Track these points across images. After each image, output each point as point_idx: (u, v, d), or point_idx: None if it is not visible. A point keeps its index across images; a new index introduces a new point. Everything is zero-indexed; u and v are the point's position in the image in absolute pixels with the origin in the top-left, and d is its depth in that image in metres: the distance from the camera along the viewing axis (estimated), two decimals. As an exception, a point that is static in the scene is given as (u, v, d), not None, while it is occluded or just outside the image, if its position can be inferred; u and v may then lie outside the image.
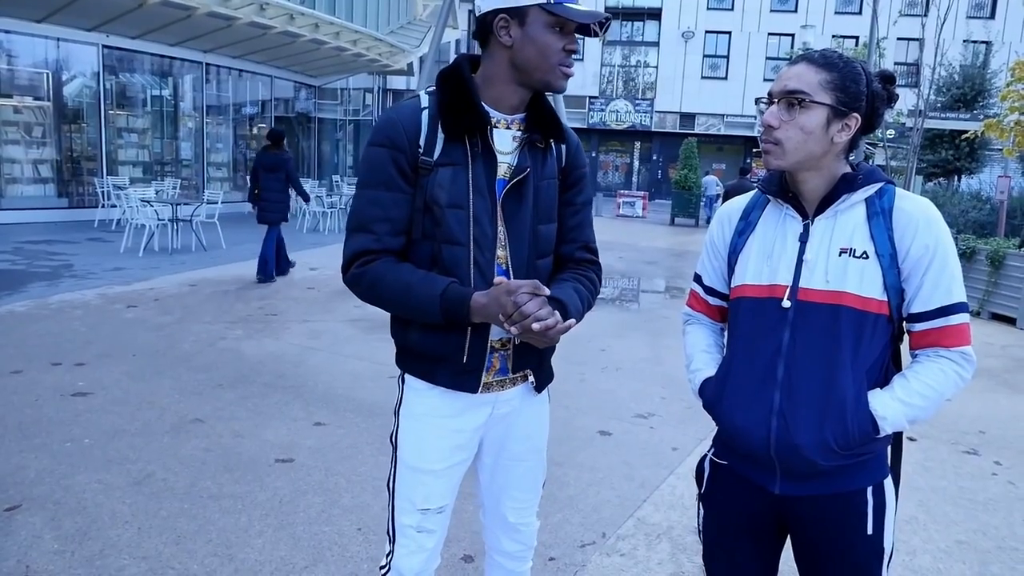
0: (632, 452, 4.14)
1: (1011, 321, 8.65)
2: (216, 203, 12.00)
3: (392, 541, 1.79)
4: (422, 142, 1.61)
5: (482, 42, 1.65)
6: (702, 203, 22.58)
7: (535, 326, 1.49)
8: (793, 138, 1.45)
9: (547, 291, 1.55)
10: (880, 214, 1.47)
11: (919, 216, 1.46)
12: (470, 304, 1.55)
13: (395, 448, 1.78)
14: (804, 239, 1.50)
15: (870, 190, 1.49)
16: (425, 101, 1.64)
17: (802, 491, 1.53)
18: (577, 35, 1.62)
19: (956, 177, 21.31)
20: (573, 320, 1.58)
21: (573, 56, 1.62)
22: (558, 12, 1.54)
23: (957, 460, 4.28)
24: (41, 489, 3.28)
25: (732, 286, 1.62)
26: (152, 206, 11.12)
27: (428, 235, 1.62)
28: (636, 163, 36.17)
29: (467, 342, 1.64)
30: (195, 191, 16.87)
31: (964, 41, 25.70)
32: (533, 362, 1.76)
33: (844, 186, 1.49)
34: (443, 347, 1.65)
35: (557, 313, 1.54)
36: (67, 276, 8.49)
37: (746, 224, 1.61)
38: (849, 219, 1.48)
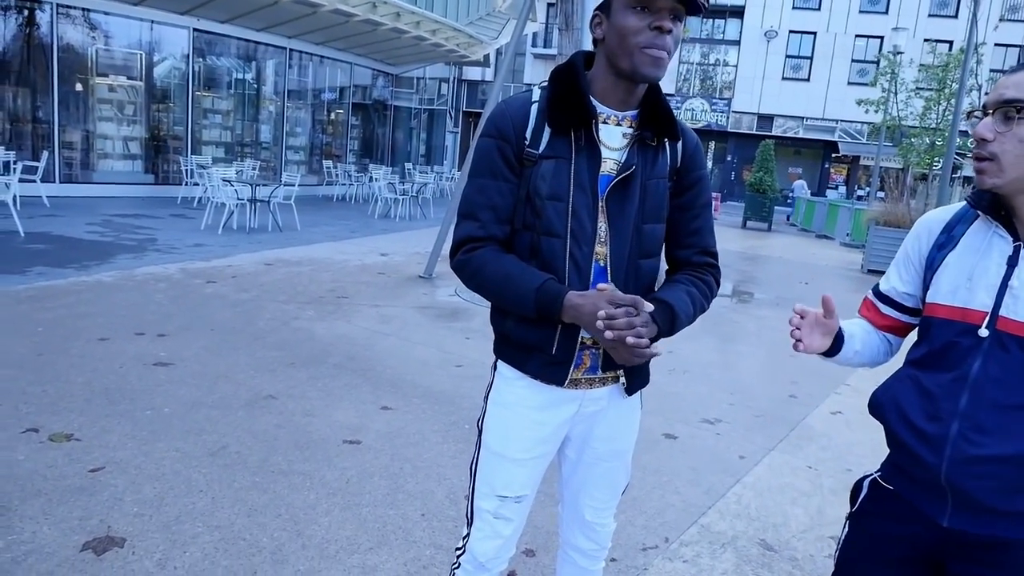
0: (698, 457, 4.07)
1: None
2: (293, 186, 12.31)
3: (469, 524, 1.82)
4: (528, 134, 1.63)
5: (594, 45, 1.67)
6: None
7: (629, 339, 1.47)
8: (1011, 152, 1.31)
9: (649, 307, 1.52)
10: None
11: None
12: (563, 302, 1.56)
13: (480, 433, 1.81)
14: (1013, 263, 1.36)
15: None
16: (536, 95, 1.67)
17: (976, 528, 1.38)
18: (689, 15, 1.58)
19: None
20: (661, 349, 1.54)
21: (667, 36, 1.53)
22: None
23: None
24: (123, 453, 3.43)
25: (926, 302, 1.50)
26: (232, 186, 11.48)
27: (528, 226, 1.64)
28: (710, 163, 35.53)
29: (557, 334, 1.65)
30: (273, 173, 17.37)
31: (1069, 49, 24.36)
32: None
33: None
34: (535, 337, 1.67)
35: (651, 342, 1.52)
36: (151, 250, 8.84)
37: (948, 238, 1.47)
38: None
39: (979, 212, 1.43)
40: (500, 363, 1.79)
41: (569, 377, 1.69)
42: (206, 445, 3.61)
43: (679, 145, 1.73)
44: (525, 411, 1.73)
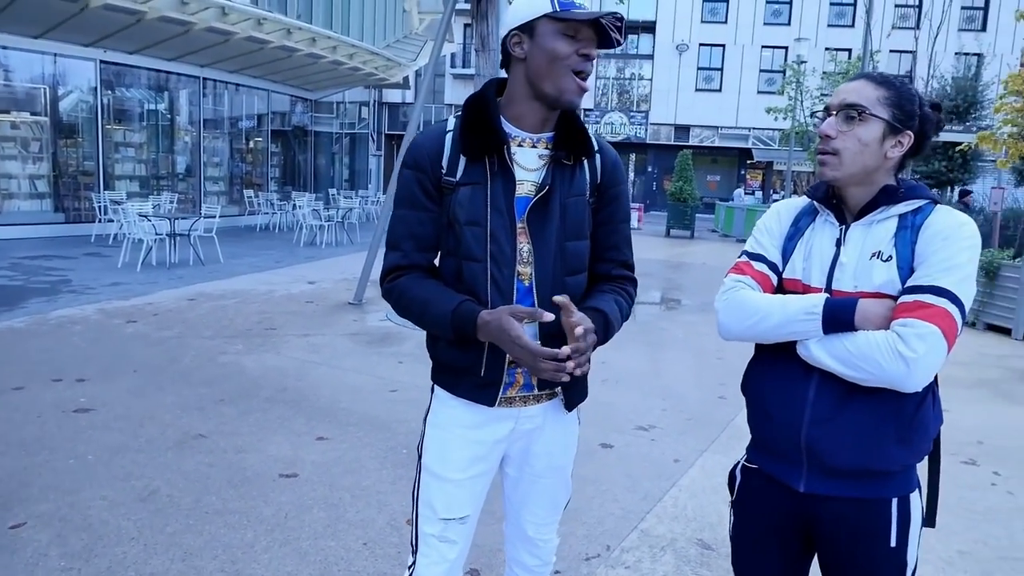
0: (634, 464, 4.16)
1: (1007, 332, 8.70)
2: (214, 217, 12.03)
3: (415, 552, 1.82)
4: (445, 163, 1.67)
5: (506, 66, 1.71)
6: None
7: (571, 366, 1.53)
8: (851, 149, 1.51)
9: (549, 317, 1.55)
10: (909, 228, 1.52)
11: (945, 224, 1.49)
12: (476, 321, 1.60)
13: (420, 456, 1.82)
14: (839, 244, 1.57)
15: (910, 206, 1.53)
16: (451, 124, 1.71)
17: (826, 490, 1.56)
18: (600, 49, 1.65)
19: (949, 188, 21.47)
20: (569, 373, 1.55)
21: (590, 63, 1.61)
22: (564, 16, 1.57)
23: (956, 470, 4.31)
24: (46, 506, 3.29)
25: (783, 277, 1.66)
26: (149, 220, 11.14)
27: (451, 251, 1.69)
28: (631, 175, 36.31)
29: (484, 356, 1.68)
30: (192, 205, 16.91)
31: (956, 53, 25.96)
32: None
33: (884, 198, 1.54)
34: (463, 360, 1.70)
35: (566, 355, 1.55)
36: (65, 291, 8.49)
37: (795, 230, 1.67)
38: (882, 228, 1.54)
39: (815, 203, 1.64)
40: (436, 387, 1.81)
41: (500, 397, 1.71)
42: (134, 490, 3.49)
43: (598, 162, 1.78)
44: (461, 431, 1.75)
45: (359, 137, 28.08)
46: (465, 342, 1.66)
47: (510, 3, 1.70)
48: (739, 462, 1.78)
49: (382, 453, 4.09)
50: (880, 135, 1.51)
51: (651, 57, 34.31)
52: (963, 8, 30.51)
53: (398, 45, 23.57)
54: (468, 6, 9.36)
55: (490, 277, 1.65)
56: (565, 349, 1.53)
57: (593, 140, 1.76)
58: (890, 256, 1.51)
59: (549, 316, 1.56)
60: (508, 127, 1.68)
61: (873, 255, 1.52)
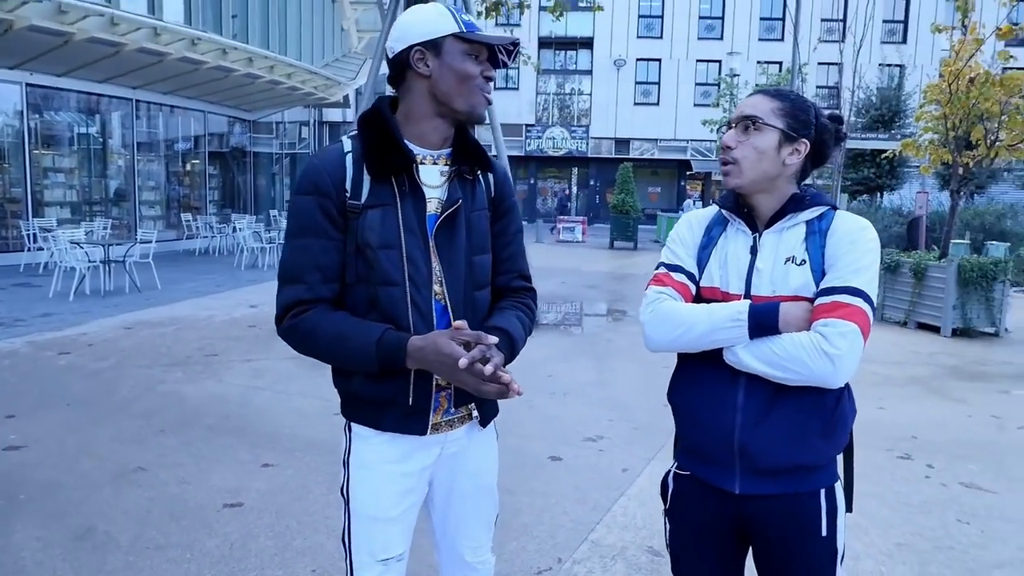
0: (583, 476, 4.18)
1: (936, 330, 9.05)
2: (150, 242, 11.71)
3: None
4: (348, 186, 1.60)
5: (398, 82, 1.66)
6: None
7: (503, 377, 1.51)
8: (748, 157, 1.61)
9: (493, 340, 1.54)
10: (817, 233, 1.61)
11: (850, 228, 1.59)
12: (406, 349, 1.54)
13: (347, 500, 1.74)
14: (754, 251, 1.64)
15: (815, 212, 1.63)
16: (348, 145, 1.64)
17: (760, 489, 1.62)
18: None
19: (879, 194, 22.29)
20: (515, 385, 1.54)
21: (491, 82, 1.66)
22: (473, 39, 1.59)
23: (892, 466, 4.46)
24: (-26, 550, 3.14)
25: (700, 286, 1.71)
26: (82, 247, 10.80)
27: (363, 278, 1.61)
28: (574, 188, 36.72)
29: (411, 383, 1.63)
30: (127, 231, 16.44)
31: (880, 65, 27.06)
32: (474, 396, 1.72)
33: (792, 205, 1.64)
34: (388, 390, 1.63)
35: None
36: (-7, 324, 8.16)
37: (708, 239, 1.72)
38: (792, 234, 1.63)
39: (725, 212, 1.71)
40: (354, 425, 1.73)
41: (430, 423, 1.67)
42: (70, 529, 3.36)
43: (491, 176, 1.79)
44: (389, 467, 1.69)
45: (300, 157, 27.70)
46: (390, 373, 1.58)
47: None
48: (670, 470, 1.82)
49: (330, 477, 4.03)
50: (776, 143, 1.60)
51: (590, 72, 34.86)
52: (885, 22, 31.84)
53: (337, 64, 23.47)
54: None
55: (410, 300, 1.60)
56: (500, 374, 1.52)
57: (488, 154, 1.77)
58: (803, 260, 1.59)
59: (493, 339, 1.54)
60: (410, 145, 1.65)
61: (787, 260, 1.60)
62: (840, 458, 1.71)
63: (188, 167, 19.70)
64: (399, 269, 1.60)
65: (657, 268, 1.76)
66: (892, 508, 3.83)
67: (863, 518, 3.66)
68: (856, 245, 1.56)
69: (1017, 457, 4.67)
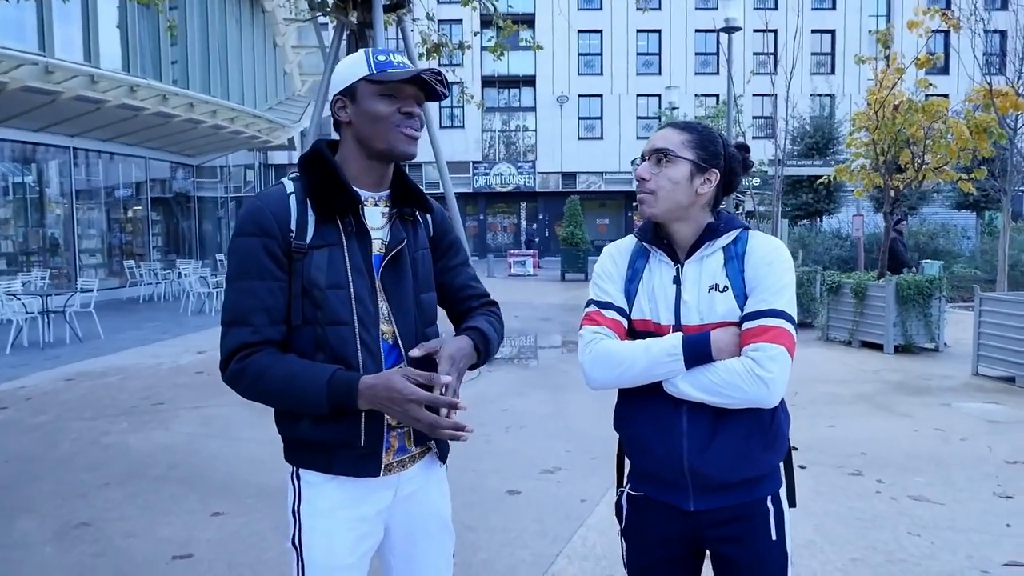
0: (542, 508, 4.16)
1: (879, 347, 9.31)
2: (91, 291, 11.40)
3: None
4: (293, 226, 1.59)
5: (336, 128, 1.69)
6: None
7: (455, 419, 1.52)
8: (664, 187, 1.67)
9: (446, 379, 1.53)
10: (735, 258, 1.69)
11: (765, 251, 1.68)
12: (357, 389, 1.52)
13: (300, 551, 1.66)
14: (678, 281, 1.70)
15: (729, 237, 1.70)
16: (290, 187, 1.64)
17: (713, 504, 1.68)
18: (428, 102, 1.69)
19: (819, 218, 23.02)
20: (470, 428, 1.54)
21: (415, 119, 1.64)
22: (380, 79, 1.59)
23: (844, 482, 4.55)
24: (-96, 620, 2.97)
25: (631, 318, 1.75)
26: (19, 299, 10.45)
27: (310, 320, 1.59)
28: (523, 223, 37.02)
29: (362, 424, 1.60)
30: (67, 280, 15.97)
31: (811, 95, 28.10)
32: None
33: (708, 234, 1.70)
34: (337, 432, 1.59)
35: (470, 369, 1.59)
36: (-77, 382, 7.81)
37: (633, 272, 1.77)
38: (712, 261, 1.70)
39: (645, 244, 1.76)
40: (302, 471, 1.68)
41: (383, 464, 1.64)
42: (9, 592, 3.21)
43: (428, 217, 1.81)
44: (343, 513, 1.64)
45: (246, 200, 27.42)
46: (340, 414, 1.55)
47: None
48: (623, 491, 1.84)
49: (284, 523, 3.92)
50: (688, 174, 1.67)
51: (534, 109, 35.45)
52: (813, 54, 33.25)
53: (281, 107, 23.41)
54: (349, 66, 9.42)
55: (359, 340, 1.59)
56: (453, 403, 1.52)
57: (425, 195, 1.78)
58: (725, 287, 1.66)
59: (447, 378, 1.53)
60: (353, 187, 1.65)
61: (711, 288, 1.67)
62: (781, 465, 1.79)
63: (130, 214, 19.30)
64: (348, 309, 1.59)
65: (588, 306, 1.79)
66: (846, 524, 3.90)
67: (818, 536, 3.71)
68: (773, 267, 1.65)
69: (961, 469, 4.81)
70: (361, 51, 1.66)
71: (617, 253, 1.81)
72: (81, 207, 17.11)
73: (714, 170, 1.69)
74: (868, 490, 4.43)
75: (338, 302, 1.58)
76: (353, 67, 1.62)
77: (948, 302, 9.92)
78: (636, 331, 1.73)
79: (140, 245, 19.47)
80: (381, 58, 1.61)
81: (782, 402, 1.73)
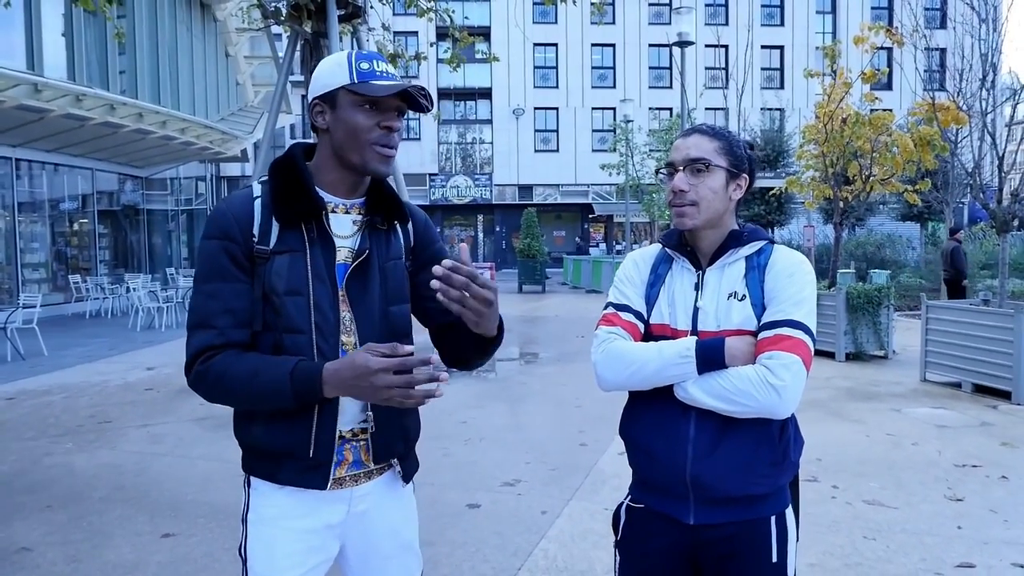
0: (502, 521, 4.12)
1: (831, 355, 9.50)
2: (34, 307, 11.02)
3: None
4: (256, 231, 1.56)
5: (314, 131, 1.65)
6: None
7: (423, 386, 1.40)
8: (706, 198, 1.65)
9: (407, 349, 1.43)
10: (756, 268, 1.68)
11: (788, 263, 1.67)
12: (322, 376, 1.46)
13: (245, 560, 1.63)
14: (699, 288, 1.69)
15: (753, 248, 1.69)
16: (258, 191, 1.61)
17: (714, 519, 1.64)
18: (412, 112, 1.63)
19: (771, 229, 23.50)
20: (440, 392, 1.44)
21: (394, 134, 1.58)
22: (361, 91, 1.53)
23: (801, 488, 4.58)
24: None
25: (649, 323, 1.73)
26: (-43, 316, 10.04)
27: (269, 325, 1.56)
28: (480, 235, 37.03)
29: (312, 434, 1.55)
30: (9, 295, 15.43)
31: (762, 109, 28.77)
32: (399, 450, 1.68)
33: (732, 242, 1.69)
34: (288, 439, 1.55)
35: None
36: None
37: (656, 277, 1.76)
38: (734, 270, 1.69)
39: (669, 251, 1.75)
40: (253, 479, 1.65)
41: (332, 478, 1.59)
42: (-58, 623, 3.05)
43: (410, 226, 1.76)
44: (288, 523, 1.60)
45: (197, 213, 26.85)
46: (299, 412, 1.52)
47: None
48: (623, 502, 1.80)
49: (236, 543, 3.81)
50: (724, 182, 1.67)
51: (490, 122, 35.54)
52: (763, 69, 34.00)
53: (233, 118, 23.06)
54: (303, 77, 9.33)
55: (316, 349, 1.55)
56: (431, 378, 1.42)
57: (404, 205, 1.73)
58: (744, 295, 1.65)
59: (408, 348, 1.44)
60: (322, 193, 1.61)
61: (730, 296, 1.65)
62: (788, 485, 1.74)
63: (76, 227, 18.76)
64: (305, 316, 1.55)
65: (606, 308, 1.78)
66: (803, 529, 3.89)
67: (776, 541, 3.74)
68: (794, 279, 1.63)
69: (913, 472, 4.91)
70: (344, 53, 1.60)
71: (641, 259, 1.82)
72: (24, 220, 16.56)
73: (744, 175, 1.70)
74: (824, 495, 4.49)
75: (295, 309, 1.54)
76: (334, 72, 1.56)
77: (896, 311, 10.18)
78: (653, 335, 1.71)
79: (87, 259, 18.93)
80: (364, 66, 1.54)
81: (794, 421, 1.70)
